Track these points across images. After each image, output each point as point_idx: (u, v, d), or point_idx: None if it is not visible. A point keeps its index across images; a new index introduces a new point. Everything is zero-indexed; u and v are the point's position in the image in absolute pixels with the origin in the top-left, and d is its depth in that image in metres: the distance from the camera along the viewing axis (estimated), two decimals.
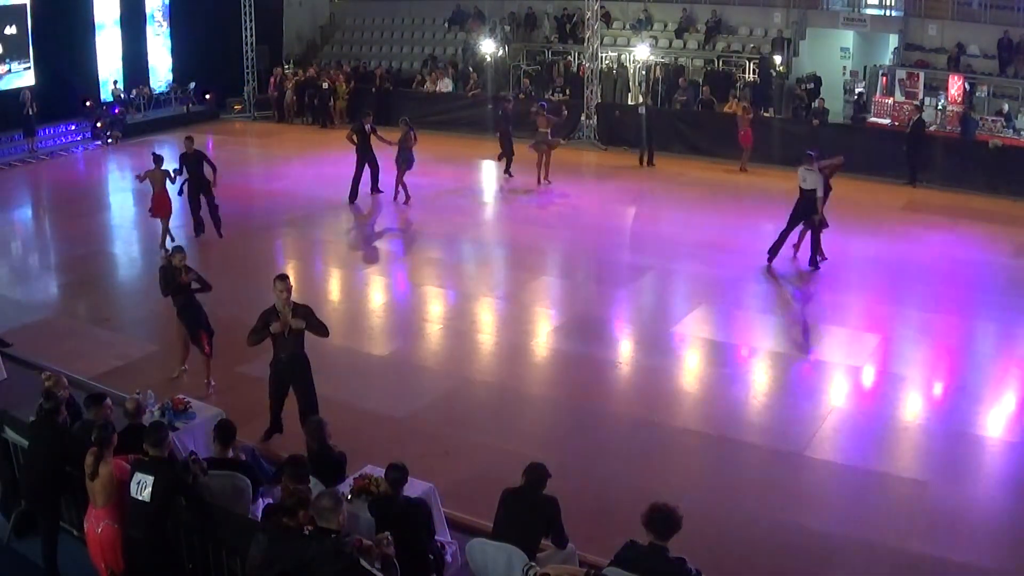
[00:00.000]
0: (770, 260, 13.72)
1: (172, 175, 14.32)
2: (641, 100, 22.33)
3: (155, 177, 14.20)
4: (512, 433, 9.26)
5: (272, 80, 25.76)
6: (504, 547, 5.99)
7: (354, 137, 17.31)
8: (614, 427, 9.51)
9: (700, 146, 20.97)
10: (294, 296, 8.45)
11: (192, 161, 14.67)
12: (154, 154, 14.71)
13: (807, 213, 13.40)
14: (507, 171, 19.15)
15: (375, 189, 17.77)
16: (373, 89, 24.79)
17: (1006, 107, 19.69)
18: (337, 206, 17.37)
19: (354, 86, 25.15)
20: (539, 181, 18.42)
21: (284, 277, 8.36)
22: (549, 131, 18.31)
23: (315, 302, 12.94)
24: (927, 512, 7.94)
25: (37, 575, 6.84)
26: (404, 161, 17.04)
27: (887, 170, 18.65)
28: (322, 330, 8.41)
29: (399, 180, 17.18)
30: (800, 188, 13.43)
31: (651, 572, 5.34)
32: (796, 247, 13.91)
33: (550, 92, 23.65)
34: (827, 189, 13.36)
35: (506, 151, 19.08)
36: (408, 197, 17.22)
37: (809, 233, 13.62)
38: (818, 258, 13.61)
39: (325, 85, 24.91)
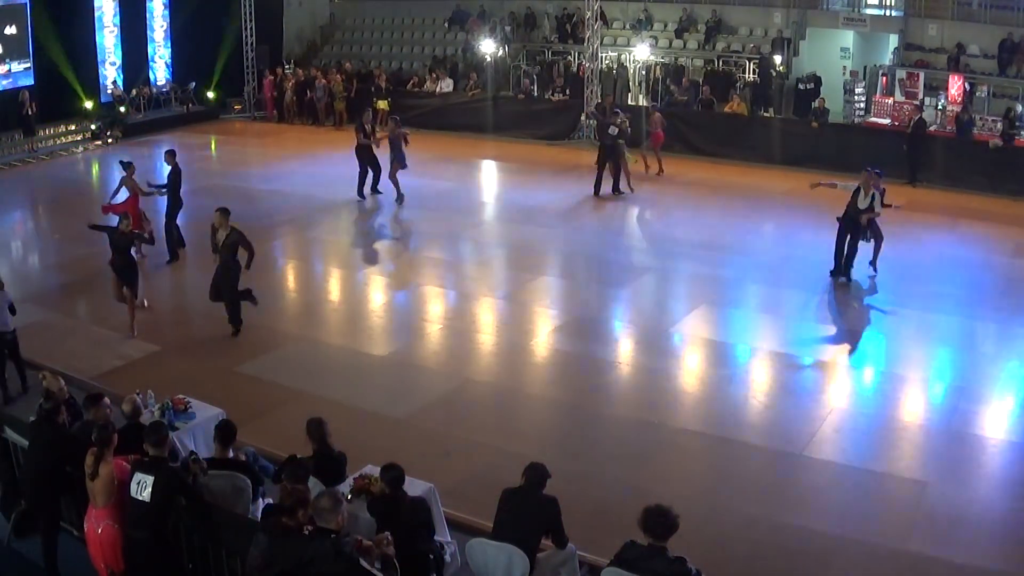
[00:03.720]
0: (839, 275, 13.29)
1: (154, 189, 14.11)
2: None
3: (128, 184, 13.89)
4: (512, 433, 9.26)
5: (267, 82, 25.70)
6: (504, 547, 6.00)
7: (360, 136, 17.35)
8: (614, 427, 9.52)
9: (700, 146, 20.96)
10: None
11: (176, 178, 14.06)
12: (121, 161, 14.39)
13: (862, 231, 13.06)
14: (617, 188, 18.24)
15: (375, 189, 17.76)
16: (372, 89, 24.75)
17: (1020, 108, 19.53)
18: (337, 206, 17.36)
19: (355, 86, 25.11)
20: (631, 187, 18.12)
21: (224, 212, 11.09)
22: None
23: (314, 302, 13.09)
24: (927, 512, 7.94)
25: (37, 575, 6.84)
26: (396, 159, 17.04)
27: (887, 170, 18.60)
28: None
29: (390, 176, 17.17)
30: (859, 207, 12.94)
31: (651, 572, 5.35)
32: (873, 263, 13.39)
33: (550, 92, 23.64)
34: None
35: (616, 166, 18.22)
36: (401, 196, 17.17)
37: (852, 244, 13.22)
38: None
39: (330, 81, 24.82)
